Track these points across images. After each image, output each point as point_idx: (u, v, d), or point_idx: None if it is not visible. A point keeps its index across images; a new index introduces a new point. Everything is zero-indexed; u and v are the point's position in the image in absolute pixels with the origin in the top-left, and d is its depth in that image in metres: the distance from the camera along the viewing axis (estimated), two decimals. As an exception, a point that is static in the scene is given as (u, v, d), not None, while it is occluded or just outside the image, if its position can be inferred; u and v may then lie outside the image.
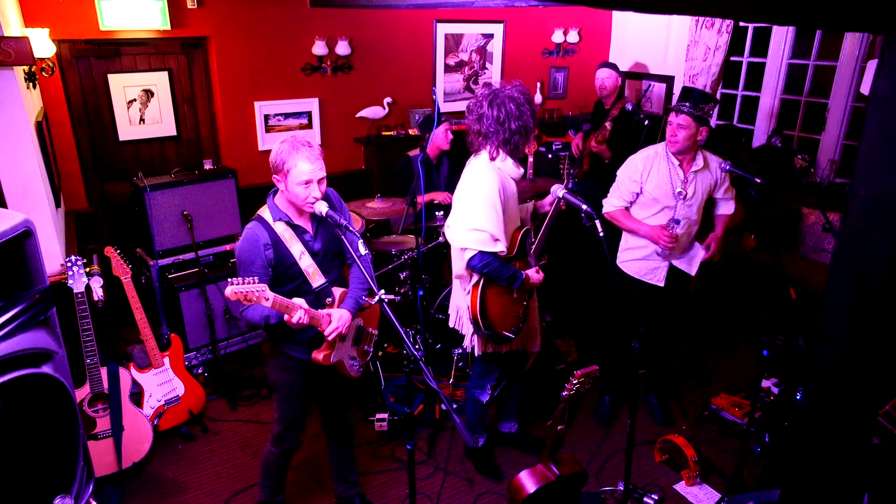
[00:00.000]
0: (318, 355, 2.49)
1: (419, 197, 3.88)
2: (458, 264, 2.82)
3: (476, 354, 2.99)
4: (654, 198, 3.25)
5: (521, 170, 2.80)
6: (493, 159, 2.72)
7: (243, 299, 2.13)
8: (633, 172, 3.29)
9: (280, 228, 2.38)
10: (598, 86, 4.78)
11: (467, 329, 2.95)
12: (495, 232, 2.66)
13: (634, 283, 3.38)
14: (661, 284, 3.35)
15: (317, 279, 2.47)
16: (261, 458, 2.83)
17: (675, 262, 3.35)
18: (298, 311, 2.28)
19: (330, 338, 2.45)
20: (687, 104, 3.10)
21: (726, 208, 3.47)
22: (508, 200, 2.75)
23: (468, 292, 2.83)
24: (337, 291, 2.53)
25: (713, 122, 5.72)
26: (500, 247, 2.69)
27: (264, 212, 2.42)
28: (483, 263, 2.68)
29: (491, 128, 2.66)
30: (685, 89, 3.22)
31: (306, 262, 2.43)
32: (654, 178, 3.24)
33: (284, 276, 2.41)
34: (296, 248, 2.40)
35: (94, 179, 4.57)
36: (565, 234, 4.26)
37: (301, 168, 2.26)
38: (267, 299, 2.16)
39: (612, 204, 3.41)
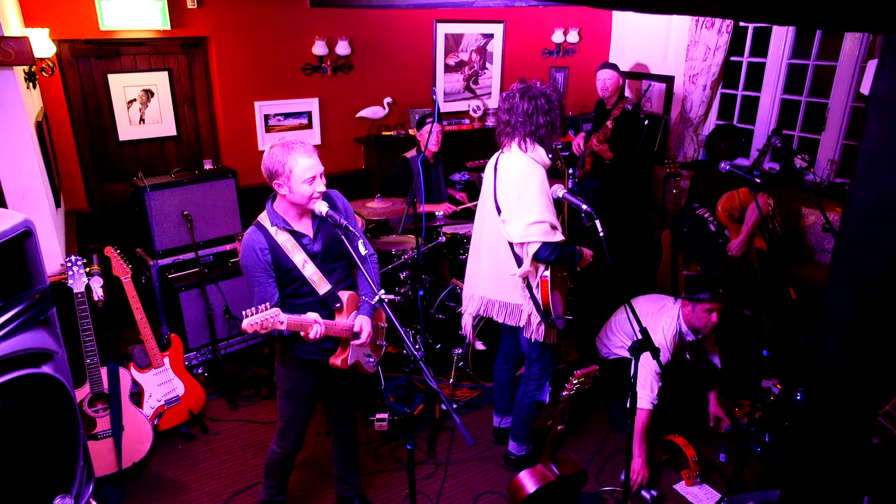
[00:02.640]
0: (336, 360, 2.49)
1: (420, 206, 3.87)
2: (526, 261, 2.80)
3: (546, 342, 2.98)
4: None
5: (549, 160, 2.86)
6: (525, 151, 2.78)
7: (260, 329, 2.15)
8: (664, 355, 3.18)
9: (282, 239, 2.38)
10: (599, 86, 4.79)
11: (526, 321, 2.92)
12: (553, 220, 2.73)
13: None
14: None
15: (322, 286, 2.45)
16: (261, 458, 2.83)
17: None
18: (314, 326, 2.30)
19: (367, 342, 2.52)
20: (707, 293, 3.12)
21: (718, 361, 3.49)
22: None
23: (537, 285, 2.85)
24: (344, 296, 2.50)
25: (713, 121, 5.73)
26: (559, 235, 2.76)
27: (262, 217, 2.42)
28: (549, 252, 2.73)
29: (520, 119, 2.75)
30: (702, 279, 3.19)
31: (310, 271, 2.42)
32: (670, 353, 3.25)
33: (283, 280, 2.42)
34: (298, 258, 2.40)
35: (94, 179, 4.56)
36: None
37: (303, 164, 2.26)
38: (281, 322, 2.19)
39: (650, 401, 3.09)
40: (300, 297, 2.45)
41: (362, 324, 2.52)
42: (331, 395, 2.75)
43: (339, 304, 2.49)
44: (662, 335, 3.21)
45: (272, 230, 2.38)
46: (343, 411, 2.81)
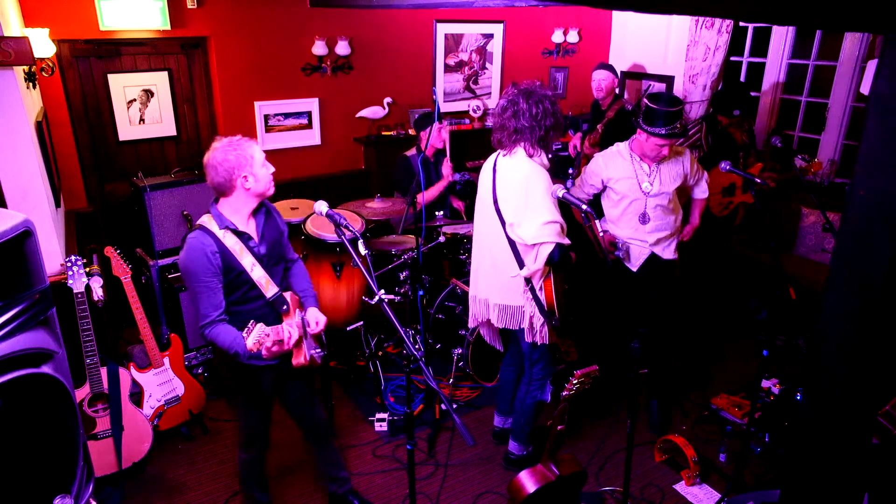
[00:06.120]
0: (299, 359, 2.47)
1: (419, 205, 3.87)
2: (531, 263, 2.79)
3: (547, 344, 2.97)
4: (622, 195, 3.34)
5: (548, 162, 2.86)
6: (530, 156, 2.77)
7: (265, 351, 2.17)
8: (596, 169, 3.42)
9: (230, 242, 2.34)
10: (594, 87, 4.77)
11: (527, 323, 2.91)
12: (563, 222, 2.75)
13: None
14: (633, 269, 3.44)
15: (270, 289, 2.44)
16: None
17: (652, 249, 3.42)
18: (288, 332, 2.33)
19: (319, 330, 2.56)
20: (665, 129, 3.10)
21: (700, 192, 3.56)
22: None
23: (540, 287, 2.85)
24: (287, 296, 2.51)
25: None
26: (566, 238, 2.77)
27: (207, 221, 2.36)
28: (559, 253, 2.74)
29: (527, 123, 2.72)
30: (656, 112, 3.12)
31: (258, 274, 2.40)
32: (618, 176, 3.33)
33: (232, 285, 2.38)
34: (247, 261, 2.37)
35: (94, 179, 4.57)
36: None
37: (258, 150, 2.36)
38: (267, 335, 2.19)
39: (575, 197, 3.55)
40: (248, 302, 2.43)
41: (317, 317, 2.56)
42: (288, 399, 2.72)
43: (285, 307, 2.48)
44: (597, 160, 3.44)
45: (220, 233, 2.33)
46: (306, 411, 2.78)
